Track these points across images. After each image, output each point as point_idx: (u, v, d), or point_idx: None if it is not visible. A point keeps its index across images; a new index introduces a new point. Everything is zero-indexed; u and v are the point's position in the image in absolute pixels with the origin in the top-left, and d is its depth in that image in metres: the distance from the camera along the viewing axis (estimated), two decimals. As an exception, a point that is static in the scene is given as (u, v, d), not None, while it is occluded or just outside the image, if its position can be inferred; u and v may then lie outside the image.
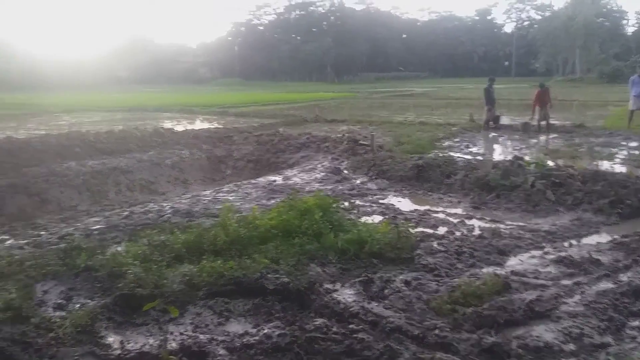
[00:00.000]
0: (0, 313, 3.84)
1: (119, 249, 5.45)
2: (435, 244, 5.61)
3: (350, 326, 3.70)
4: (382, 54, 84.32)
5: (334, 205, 6.41)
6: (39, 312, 4.02)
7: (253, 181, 9.59)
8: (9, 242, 6.29)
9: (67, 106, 27.80)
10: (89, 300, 4.28)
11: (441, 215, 7.14)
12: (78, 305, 4.18)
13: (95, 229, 6.41)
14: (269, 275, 4.48)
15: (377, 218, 6.87)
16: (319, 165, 10.89)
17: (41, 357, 3.29)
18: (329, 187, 8.92)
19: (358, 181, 9.48)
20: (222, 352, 3.35)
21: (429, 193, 8.62)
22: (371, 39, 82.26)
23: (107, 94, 42.48)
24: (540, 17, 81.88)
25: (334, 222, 5.89)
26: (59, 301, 4.30)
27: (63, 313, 4.05)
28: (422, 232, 6.16)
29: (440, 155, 10.72)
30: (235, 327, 3.81)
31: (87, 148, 11.40)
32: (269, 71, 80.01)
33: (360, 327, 3.70)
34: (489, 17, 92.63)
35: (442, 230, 6.39)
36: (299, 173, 10.29)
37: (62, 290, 4.54)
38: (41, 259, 5.12)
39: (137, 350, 3.39)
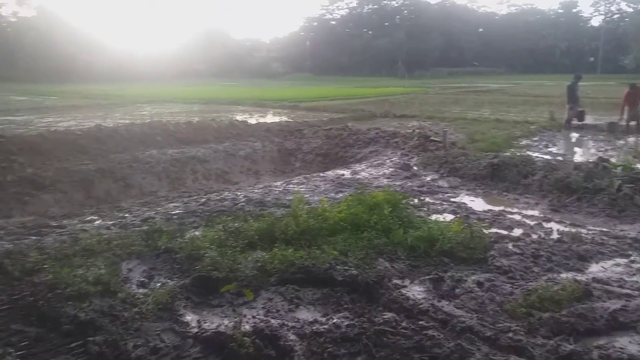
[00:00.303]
0: (92, 286, 4.16)
1: (197, 233, 5.72)
2: (510, 246, 5.42)
3: (420, 323, 3.67)
4: (456, 48, 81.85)
5: (403, 202, 6.35)
6: (125, 288, 4.32)
7: (322, 174, 9.69)
8: (97, 222, 6.77)
9: (149, 97, 29.40)
10: (168, 280, 4.54)
11: (517, 217, 6.87)
12: (159, 284, 4.44)
13: (175, 214, 6.76)
14: (337, 267, 4.53)
15: (449, 217, 6.73)
16: (388, 161, 10.82)
17: (127, 329, 3.53)
18: (398, 182, 8.84)
19: (428, 178, 9.32)
20: (292, 337, 3.43)
21: (504, 193, 8.32)
22: (445, 33, 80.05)
23: (185, 86, 44.39)
24: (632, 10, 76.05)
25: (403, 218, 5.84)
26: (142, 279, 4.59)
27: (145, 290, 4.32)
28: (496, 233, 5.97)
29: (517, 154, 10.29)
30: (305, 314, 3.89)
31: (168, 137, 12.01)
32: (339, 66, 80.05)
33: (430, 324, 3.67)
34: (574, 10, 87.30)
35: (517, 232, 6.16)
36: (367, 168, 10.27)
37: (144, 269, 4.84)
38: (126, 239, 5.48)
39: (213, 330, 3.55)
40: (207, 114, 19.06)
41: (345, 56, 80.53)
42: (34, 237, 5.91)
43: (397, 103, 25.58)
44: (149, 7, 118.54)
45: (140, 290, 4.31)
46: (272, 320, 3.68)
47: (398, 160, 10.70)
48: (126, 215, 7.14)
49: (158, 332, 3.55)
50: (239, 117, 17.76)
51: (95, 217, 7.15)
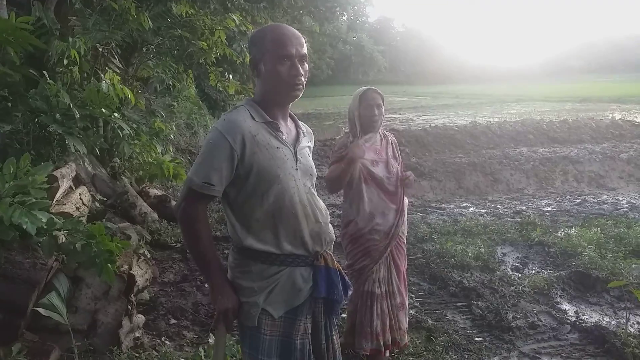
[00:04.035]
0: (473, 261, 4.71)
1: (571, 231, 5.60)
2: None
3: None
4: None
5: None
6: (501, 268, 4.69)
7: None
8: (471, 209, 7.42)
9: (516, 96, 29.28)
10: (542, 270, 4.67)
11: None
12: (533, 272, 4.62)
13: (547, 211, 6.76)
14: None
15: None
16: None
17: (505, 302, 3.88)
18: None
19: None
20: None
21: None
22: None
23: (557, 84, 41.97)
24: None
25: None
26: (516, 264, 4.86)
27: (520, 274, 4.57)
28: None
29: None
30: None
31: (540, 135, 11.84)
32: None
33: None
34: None
35: None
36: None
37: (517, 256, 5.10)
38: (501, 227, 5.87)
39: (593, 322, 3.52)
40: (581, 113, 17.69)
41: None
42: (420, 214, 6.98)
43: None
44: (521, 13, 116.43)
45: (515, 273, 4.60)
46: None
47: None
48: (498, 206, 7.55)
49: (535, 312, 3.75)
50: (620, 116, 15.77)
51: (469, 205, 7.83)
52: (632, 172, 10.51)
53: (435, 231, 5.81)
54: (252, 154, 1.69)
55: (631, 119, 14.47)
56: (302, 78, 1.75)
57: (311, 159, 1.92)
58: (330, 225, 1.89)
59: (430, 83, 52.99)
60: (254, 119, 1.74)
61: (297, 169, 1.79)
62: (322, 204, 1.88)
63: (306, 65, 1.77)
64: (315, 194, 1.87)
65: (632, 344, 3.13)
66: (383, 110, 3.05)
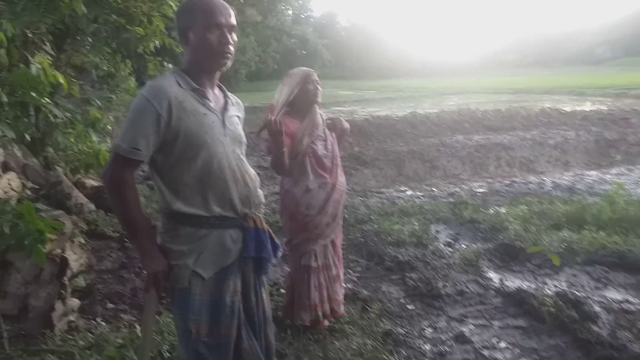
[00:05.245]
0: (407, 237, 4.94)
1: (500, 210, 5.95)
2: None
3: None
4: None
5: None
6: (434, 243, 4.94)
7: (651, 167, 8.46)
8: (409, 192, 7.71)
9: (455, 89, 30.30)
10: (472, 244, 4.95)
11: None
12: (464, 246, 4.89)
13: (479, 192, 7.13)
14: (661, 256, 4.11)
15: None
16: None
17: (436, 273, 4.11)
18: None
19: None
20: (597, 308, 3.38)
21: None
22: None
23: (493, 77, 43.75)
24: None
25: None
26: (448, 240, 5.13)
27: (451, 249, 4.83)
28: None
29: None
30: (614, 294, 3.71)
31: (475, 124, 12.39)
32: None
33: None
34: None
35: None
36: None
37: (450, 233, 5.38)
38: (435, 207, 6.15)
39: (515, 287, 3.80)
40: (515, 104, 18.59)
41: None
42: (360, 198, 7.18)
43: None
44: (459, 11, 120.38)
45: (447, 248, 4.85)
46: (575, 292, 3.67)
47: None
48: (433, 189, 7.88)
49: (464, 280, 4.00)
50: (550, 105, 16.71)
51: (407, 189, 8.12)
52: (558, 156, 11.20)
53: (374, 212, 6.01)
54: (179, 119, 1.72)
55: (559, 107, 15.37)
56: (231, 47, 1.80)
57: (241, 128, 1.98)
58: (259, 190, 1.95)
59: (375, 77, 53.81)
60: (180, 86, 1.78)
61: (225, 135, 1.83)
62: (252, 171, 1.93)
63: (235, 36, 1.83)
64: (245, 161, 1.92)
65: (548, 304, 3.41)
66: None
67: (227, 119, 1.87)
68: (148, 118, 1.70)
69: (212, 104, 1.84)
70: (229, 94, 1.97)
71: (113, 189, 1.76)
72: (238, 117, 1.99)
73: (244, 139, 1.97)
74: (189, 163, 1.77)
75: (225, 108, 1.90)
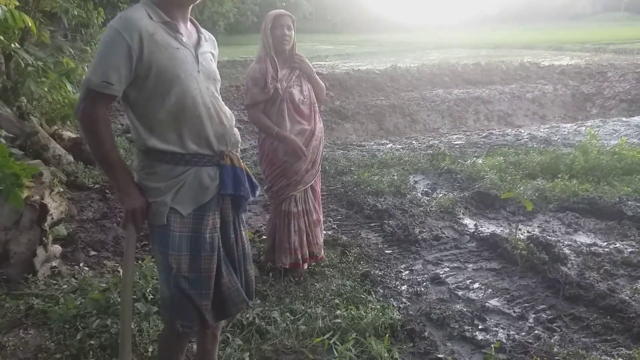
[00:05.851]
0: (386, 187, 5.03)
1: (478, 161, 6.06)
2: None
3: None
4: None
5: None
6: (412, 193, 5.04)
7: (624, 119, 8.66)
8: (389, 145, 7.76)
9: (436, 44, 30.01)
10: (449, 193, 5.06)
11: None
12: (440, 195, 5.00)
13: (457, 144, 7.22)
14: (629, 202, 4.29)
15: None
16: None
17: (414, 220, 4.21)
18: None
19: None
20: (567, 250, 3.54)
21: None
22: None
23: (475, 32, 43.38)
24: None
25: None
26: (426, 189, 5.23)
27: (428, 198, 4.94)
28: None
29: None
30: (583, 238, 3.88)
31: (455, 78, 12.38)
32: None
33: None
34: None
35: None
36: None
37: (428, 183, 5.48)
38: (414, 159, 6.23)
39: (489, 232, 3.93)
40: (495, 58, 18.56)
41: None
42: (341, 151, 7.22)
43: None
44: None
45: (425, 197, 4.96)
46: (547, 236, 3.83)
47: None
48: (413, 142, 7.95)
49: (440, 227, 4.12)
50: (530, 60, 16.75)
51: (387, 142, 8.18)
52: (535, 110, 11.35)
53: (354, 164, 6.07)
54: (151, 53, 1.68)
55: (537, 62, 15.40)
56: None
57: (215, 65, 1.95)
58: (235, 129, 1.95)
59: (356, 32, 52.87)
60: (151, 18, 1.72)
61: (199, 72, 1.80)
62: (227, 109, 1.91)
63: None
64: (220, 99, 1.89)
65: (520, 247, 3.55)
66: (293, 33, 3.11)
67: (200, 54, 1.84)
68: (119, 51, 1.65)
69: (184, 39, 1.79)
70: (202, 29, 1.92)
71: (87, 125, 1.73)
72: (212, 53, 1.94)
73: (218, 77, 1.94)
74: (162, 99, 1.74)
75: (198, 44, 1.85)
